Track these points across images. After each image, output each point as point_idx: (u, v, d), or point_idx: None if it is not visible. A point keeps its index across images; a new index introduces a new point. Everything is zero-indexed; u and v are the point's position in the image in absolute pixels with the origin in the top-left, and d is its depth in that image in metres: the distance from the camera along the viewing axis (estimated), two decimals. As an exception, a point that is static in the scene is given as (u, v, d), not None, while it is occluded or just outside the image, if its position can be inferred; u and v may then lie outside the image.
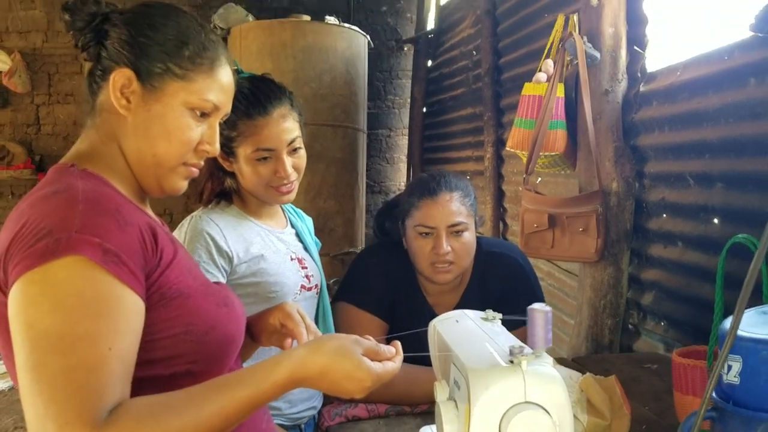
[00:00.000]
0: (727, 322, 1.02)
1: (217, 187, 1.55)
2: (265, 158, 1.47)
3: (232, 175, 1.53)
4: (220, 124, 1.05)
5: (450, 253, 1.59)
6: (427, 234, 1.60)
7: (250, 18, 4.67)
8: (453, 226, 1.60)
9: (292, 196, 1.53)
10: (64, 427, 0.74)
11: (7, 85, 5.13)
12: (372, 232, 1.92)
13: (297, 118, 1.51)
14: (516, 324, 1.13)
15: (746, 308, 1.05)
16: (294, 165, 1.50)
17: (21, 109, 5.33)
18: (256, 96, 1.46)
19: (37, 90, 5.31)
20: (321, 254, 1.75)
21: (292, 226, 1.67)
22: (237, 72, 1.53)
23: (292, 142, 1.48)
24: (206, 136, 1.02)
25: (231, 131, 1.45)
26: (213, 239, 1.43)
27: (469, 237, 1.63)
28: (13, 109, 5.32)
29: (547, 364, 0.85)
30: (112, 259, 0.83)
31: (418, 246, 1.62)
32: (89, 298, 0.81)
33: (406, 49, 5.75)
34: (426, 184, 1.64)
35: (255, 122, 1.45)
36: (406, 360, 1.10)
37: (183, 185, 1.04)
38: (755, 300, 1.12)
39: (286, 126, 1.47)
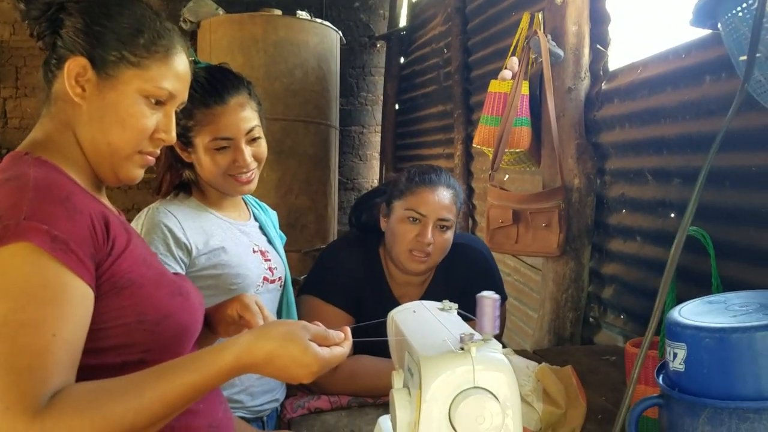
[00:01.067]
0: (675, 312, 1.06)
1: (176, 179, 1.53)
2: (223, 147, 1.45)
3: (191, 166, 1.52)
4: (177, 113, 1.05)
5: (431, 244, 1.61)
6: (415, 220, 1.62)
7: (221, 12, 4.63)
8: (442, 220, 1.62)
9: (252, 186, 1.52)
10: (5, 413, 0.74)
11: (-28, 77, 5.04)
12: (344, 228, 1.94)
13: (255, 107, 1.50)
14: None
15: (696, 298, 1.09)
16: (254, 154, 1.49)
17: (-14, 102, 5.24)
18: (212, 85, 1.45)
19: (3, 83, 5.23)
20: (292, 250, 1.75)
21: (256, 219, 1.67)
22: (194, 62, 1.53)
23: (250, 131, 1.47)
24: (162, 124, 1.02)
25: (188, 120, 1.43)
26: (171, 231, 1.42)
27: (450, 236, 1.66)
28: (-22, 102, 5.22)
29: (496, 351, 0.86)
30: (60, 247, 0.83)
31: (402, 229, 1.63)
32: (35, 285, 0.81)
33: (378, 45, 5.76)
34: (427, 173, 1.67)
35: (212, 111, 1.44)
36: (366, 350, 1.11)
37: (139, 174, 1.04)
38: (705, 291, 1.16)
39: (244, 115, 1.46)
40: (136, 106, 0.98)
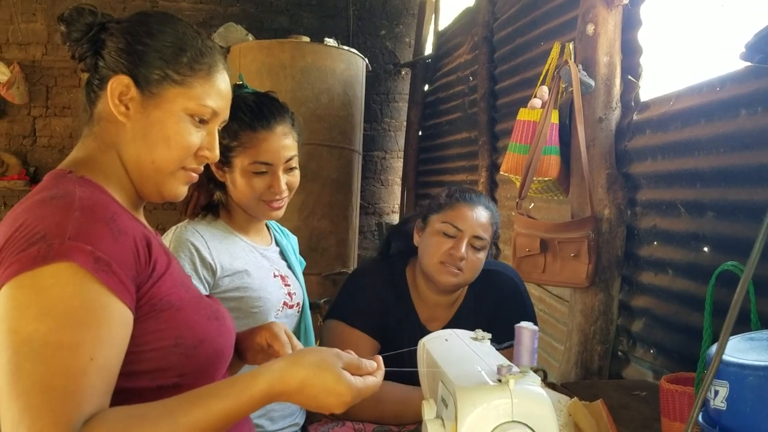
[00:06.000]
0: (714, 348, 1.03)
1: (205, 199, 1.55)
2: (261, 172, 1.49)
3: (223, 186, 1.54)
4: (220, 132, 1.06)
5: (464, 260, 1.61)
6: (450, 235, 1.63)
7: (250, 38, 4.71)
8: (477, 237, 1.63)
9: (281, 212, 1.55)
10: None
11: (5, 96, 5.13)
12: (364, 252, 1.94)
13: (296, 137, 1.55)
14: (507, 339, 1.13)
15: (734, 335, 1.06)
16: (288, 182, 1.52)
17: (17, 120, 5.34)
18: (261, 110, 1.49)
19: (34, 102, 5.32)
20: (312, 273, 1.76)
21: (277, 243, 1.68)
22: (241, 86, 1.56)
23: (289, 160, 1.51)
24: (206, 142, 1.02)
25: (232, 141, 1.47)
26: (197, 250, 1.43)
27: (483, 257, 1.67)
28: (10, 120, 5.32)
29: (534, 384, 0.85)
30: (103, 268, 0.83)
31: (436, 242, 1.64)
32: (76, 306, 0.80)
33: (403, 72, 5.81)
34: (467, 192, 1.70)
35: (257, 134, 1.47)
36: (394, 377, 1.09)
37: (183, 191, 1.04)
38: (743, 327, 1.13)
39: (286, 143, 1.50)
40: (182, 124, 0.99)
